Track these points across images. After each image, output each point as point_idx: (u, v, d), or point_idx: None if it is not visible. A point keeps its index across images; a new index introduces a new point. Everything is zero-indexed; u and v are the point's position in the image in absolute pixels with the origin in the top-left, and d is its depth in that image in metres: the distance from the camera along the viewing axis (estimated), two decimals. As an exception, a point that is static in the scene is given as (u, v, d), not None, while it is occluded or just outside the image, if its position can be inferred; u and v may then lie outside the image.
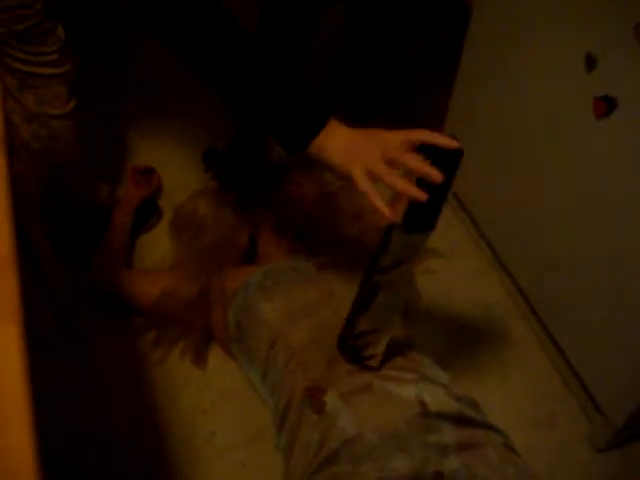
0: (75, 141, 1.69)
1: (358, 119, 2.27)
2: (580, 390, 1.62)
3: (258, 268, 1.57)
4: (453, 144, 1.05)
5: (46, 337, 1.57)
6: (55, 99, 1.58)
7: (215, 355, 1.68)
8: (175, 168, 2.13)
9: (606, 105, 1.26)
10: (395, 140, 1.07)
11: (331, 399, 1.28)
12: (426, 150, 1.04)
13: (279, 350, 1.41)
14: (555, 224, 1.56)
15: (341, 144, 1.11)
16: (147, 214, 1.95)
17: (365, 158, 1.07)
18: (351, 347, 1.30)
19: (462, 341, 1.76)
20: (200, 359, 1.66)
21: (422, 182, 1.03)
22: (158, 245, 1.92)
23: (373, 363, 1.31)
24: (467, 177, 1.85)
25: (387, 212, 1.05)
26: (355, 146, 1.10)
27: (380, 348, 1.30)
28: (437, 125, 2.05)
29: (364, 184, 1.06)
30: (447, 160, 1.04)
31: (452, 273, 1.90)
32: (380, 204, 1.05)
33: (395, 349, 1.39)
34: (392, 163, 1.06)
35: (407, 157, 1.05)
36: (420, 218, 1.10)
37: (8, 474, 0.62)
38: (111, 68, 2.44)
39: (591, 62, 1.27)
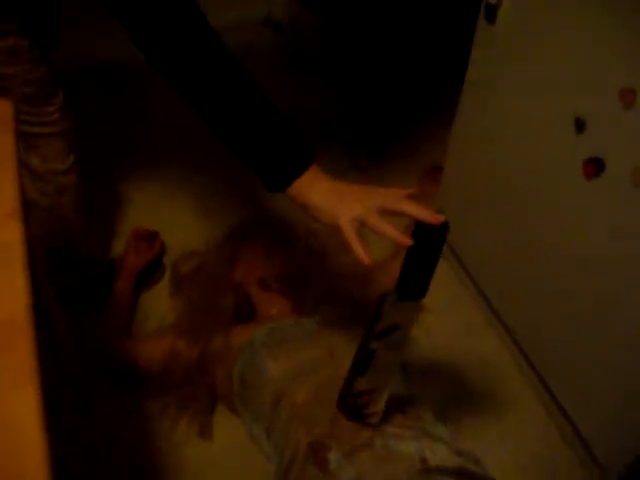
0: (79, 194, 1.73)
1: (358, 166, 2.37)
2: (578, 443, 1.63)
3: (261, 326, 1.59)
4: (436, 220, 1.05)
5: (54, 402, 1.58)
6: (57, 155, 1.63)
7: (219, 410, 1.69)
8: (176, 224, 2.15)
9: (595, 167, 1.30)
10: (377, 200, 1.09)
11: (334, 456, 1.30)
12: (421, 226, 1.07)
13: (283, 407, 1.43)
14: (550, 280, 1.59)
15: (325, 190, 1.13)
16: (151, 270, 1.97)
17: (351, 207, 1.09)
18: (351, 406, 1.32)
19: (460, 396, 1.77)
20: (206, 431, 1.66)
21: (412, 252, 1.06)
22: (161, 300, 1.93)
23: (374, 420, 1.33)
24: (464, 233, 1.91)
25: (367, 260, 1.07)
26: (340, 195, 1.11)
27: (380, 406, 1.32)
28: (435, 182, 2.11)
29: (350, 232, 1.09)
30: (434, 232, 1.07)
31: (449, 327, 1.92)
32: (361, 253, 1.07)
33: (395, 405, 1.41)
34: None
35: (383, 225, 1.07)
36: (412, 286, 1.13)
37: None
38: (112, 124, 2.50)
39: (580, 125, 1.32)
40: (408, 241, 1.06)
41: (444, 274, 2.04)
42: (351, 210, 1.09)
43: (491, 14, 1.51)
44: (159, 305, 1.91)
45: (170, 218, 2.18)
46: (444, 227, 1.06)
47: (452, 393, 1.77)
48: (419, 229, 1.06)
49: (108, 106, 2.61)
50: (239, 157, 1.19)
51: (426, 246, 1.06)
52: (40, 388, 0.74)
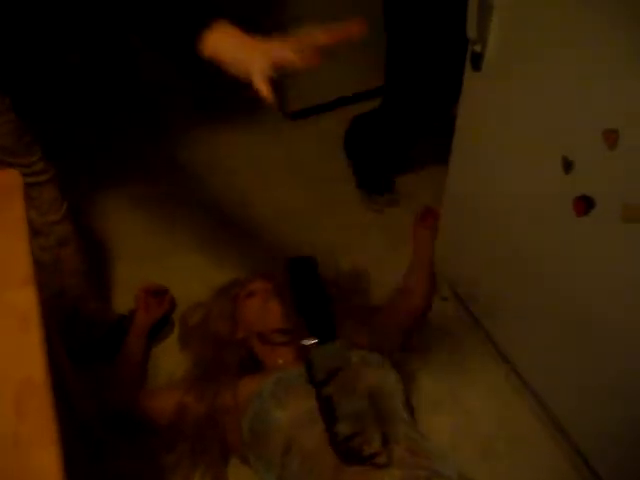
0: (80, 245, 1.77)
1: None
2: (585, 469, 1.66)
3: (268, 376, 1.62)
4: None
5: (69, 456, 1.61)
6: (52, 205, 1.67)
7: (232, 462, 1.71)
8: (182, 275, 2.19)
9: (585, 204, 1.34)
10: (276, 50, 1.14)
11: (347, 500, 1.32)
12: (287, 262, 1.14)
13: (294, 454, 1.46)
14: (549, 314, 1.61)
15: (235, 45, 1.17)
16: (160, 325, 1.99)
17: (259, 59, 1.14)
18: (347, 452, 1.35)
19: (470, 432, 1.80)
20: None
21: (294, 291, 1.10)
22: (171, 354, 1.96)
23: (380, 460, 1.35)
24: (463, 272, 1.95)
25: (270, 99, 1.14)
26: (248, 48, 1.16)
27: (376, 445, 1.35)
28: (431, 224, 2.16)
29: (260, 80, 1.14)
30: (305, 267, 1.13)
31: (454, 366, 1.95)
32: (268, 94, 1.14)
33: (404, 444, 1.43)
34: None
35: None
36: (320, 327, 1.21)
37: None
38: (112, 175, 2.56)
39: (568, 165, 1.36)
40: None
41: (447, 315, 2.09)
42: (258, 62, 1.14)
43: (476, 62, 1.56)
44: (169, 359, 1.94)
45: (176, 269, 2.22)
46: (311, 260, 1.13)
47: (459, 431, 1.80)
48: (291, 264, 1.14)
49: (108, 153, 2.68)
50: (155, 33, 1.25)
51: (302, 281, 1.13)
52: (61, 445, 0.78)
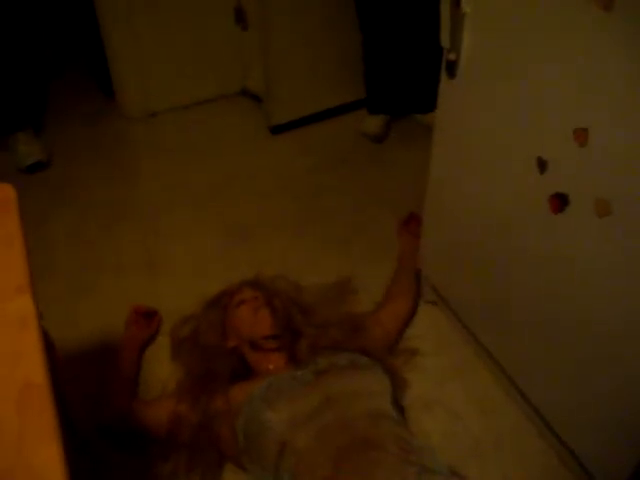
0: None
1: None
2: (575, 465, 1.68)
3: (259, 381, 1.65)
4: None
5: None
6: None
7: (227, 468, 1.73)
8: (171, 292, 2.23)
9: (560, 202, 1.39)
10: None
11: (340, 497, 1.36)
12: None
13: (287, 455, 1.49)
14: (533, 312, 1.65)
15: None
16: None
17: None
18: None
19: (459, 431, 1.83)
20: None
21: None
22: (163, 365, 1.98)
23: None
24: (448, 278, 1.99)
25: None
26: None
27: None
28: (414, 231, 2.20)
29: None
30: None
31: (442, 367, 1.98)
32: None
33: (397, 443, 1.47)
34: None
35: None
36: None
37: None
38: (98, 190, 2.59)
39: (542, 165, 1.41)
40: None
41: (433, 317, 2.12)
42: None
43: (451, 69, 1.61)
44: (162, 370, 1.96)
45: (165, 283, 2.27)
46: None
47: (448, 431, 1.83)
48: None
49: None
50: None
51: None
52: (62, 443, 0.81)
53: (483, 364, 1.97)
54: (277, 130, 2.90)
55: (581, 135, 1.28)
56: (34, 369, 0.89)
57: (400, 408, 1.73)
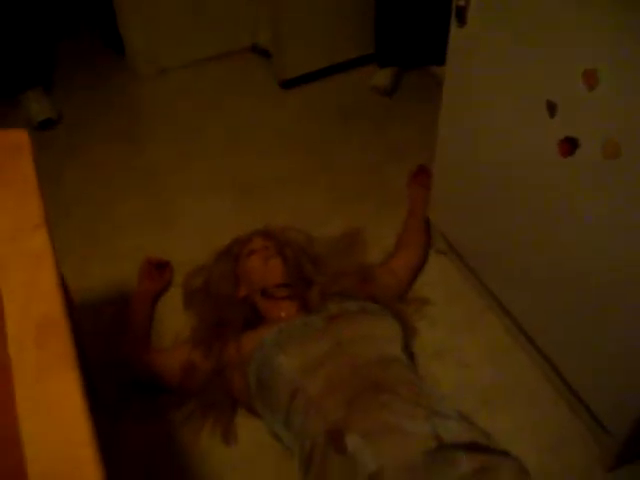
0: None
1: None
2: (585, 413, 1.70)
3: (271, 328, 1.68)
4: None
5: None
6: None
7: (240, 413, 1.76)
8: (184, 240, 2.26)
9: (569, 146, 1.39)
10: None
11: (351, 440, 1.38)
12: None
13: (299, 400, 1.51)
14: (545, 261, 1.66)
15: None
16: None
17: None
18: None
19: (469, 379, 1.85)
20: (229, 436, 1.72)
21: None
22: (175, 315, 2.01)
23: None
24: (459, 227, 2.00)
25: None
26: None
27: None
28: (425, 182, 2.20)
29: None
30: None
31: (452, 317, 2.00)
32: None
33: (407, 387, 1.49)
34: None
35: None
36: None
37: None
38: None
39: (552, 108, 1.41)
40: None
41: (444, 267, 2.14)
42: None
43: (461, 16, 1.60)
44: (175, 319, 1.99)
45: (177, 235, 2.29)
46: None
47: (459, 378, 1.85)
48: None
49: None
50: None
51: None
52: (79, 372, 0.83)
53: (493, 314, 1.99)
54: (287, 85, 2.89)
55: (590, 77, 1.28)
56: (51, 305, 0.91)
57: (410, 355, 1.75)
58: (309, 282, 1.84)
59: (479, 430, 1.45)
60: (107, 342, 1.89)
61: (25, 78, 2.74)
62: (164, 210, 2.40)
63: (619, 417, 1.56)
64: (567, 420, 1.76)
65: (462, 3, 1.57)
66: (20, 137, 1.16)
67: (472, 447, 1.37)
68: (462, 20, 1.61)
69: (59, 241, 1.99)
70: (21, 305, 0.91)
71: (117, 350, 1.86)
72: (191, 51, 3.05)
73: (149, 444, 1.73)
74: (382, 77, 2.83)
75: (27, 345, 0.87)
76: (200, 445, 1.71)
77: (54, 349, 0.86)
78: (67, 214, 2.35)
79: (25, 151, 1.14)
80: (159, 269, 2.11)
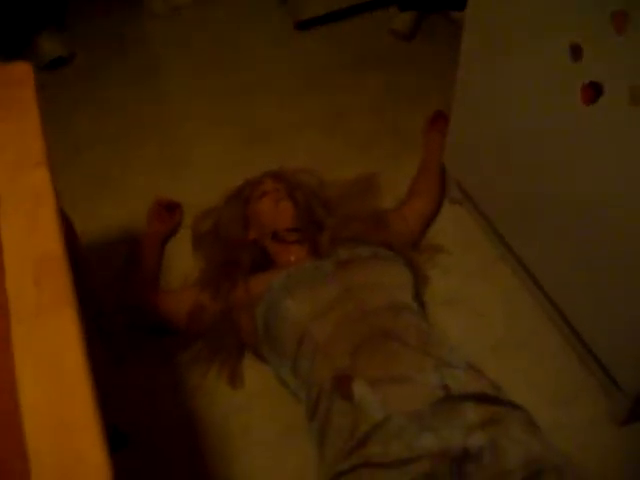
0: None
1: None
2: (597, 368, 1.68)
3: (281, 272, 1.66)
4: None
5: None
6: None
7: (247, 356, 1.76)
8: (193, 182, 2.23)
9: (593, 92, 1.34)
10: None
11: (358, 387, 1.37)
12: None
13: (306, 345, 1.50)
14: (560, 211, 1.62)
15: None
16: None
17: None
18: None
19: (480, 328, 1.83)
20: (235, 379, 1.72)
21: None
22: (184, 257, 2.00)
23: None
24: (475, 175, 1.95)
25: None
26: None
27: None
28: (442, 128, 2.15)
29: None
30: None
31: (465, 265, 1.98)
32: None
33: (418, 335, 1.47)
34: None
35: None
36: None
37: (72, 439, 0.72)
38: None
39: (576, 52, 1.35)
40: None
41: (458, 216, 2.10)
42: None
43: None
44: (183, 261, 1.98)
45: (187, 177, 2.26)
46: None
47: (470, 328, 1.83)
48: None
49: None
50: None
51: None
52: (78, 310, 0.81)
53: (507, 264, 1.96)
54: (302, 26, 2.81)
55: (620, 19, 1.22)
56: (51, 242, 0.89)
57: (421, 303, 1.73)
58: (320, 226, 1.82)
59: (488, 381, 1.43)
60: (116, 283, 1.89)
61: (38, 17, 2.68)
62: (177, 152, 2.37)
63: (632, 372, 1.54)
64: (579, 374, 1.74)
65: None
66: (23, 71, 1.12)
67: (481, 398, 1.36)
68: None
69: (69, 182, 2.02)
70: (20, 242, 0.90)
71: (126, 291, 1.85)
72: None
73: (155, 385, 1.73)
74: (401, 21, 2.75)
75: (25, 282, 0.85)
76: (206, 387, 1.71)
77: (52, 287, 0.84)
78: (78, 154, 2.32)
79: (28, 85, 1.11)
80: (169, 211, 2.08)
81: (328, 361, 1.45)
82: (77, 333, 0.79)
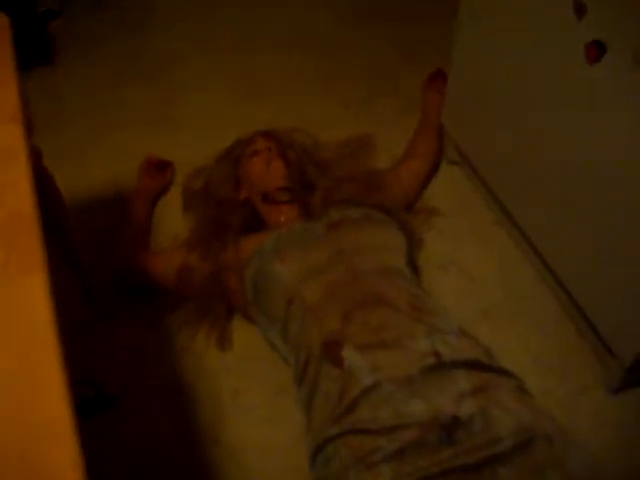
0: None
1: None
2: (592, 335, 1.65)
3: (271, 234, 1.62)
4: None
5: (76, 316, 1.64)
6: None
7: (236, 319, 1.73)
8: (184, 142, 2.18)
9: (597, 50, 1.29)
10: None
11: (348, 352, 1.34)
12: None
13: (296, 308, 1.47)
14: (559, 175, 1.59)
15: None
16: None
17: None
18: None
19: (474, 293, 1.81)
20: (224, 341, 1.70)
21: None
22: (174, 217, 1.97)
23: None
24: (473, 137, 1.91)
25: None
26: None
27: None
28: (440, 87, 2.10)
29: None
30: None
31: (461, 228, 1.95)
32: None
33: (409, 299, 1.44)
34: None
35: None
36: None
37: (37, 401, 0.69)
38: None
39: (580, 9, 1.31)
40: None
41: (455, 178, 2.07)
42: None
43: None
44: (173, 222, 1.94)
45: (179, 136, 2.22)
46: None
47: (465, 291, 1.81)
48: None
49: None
50: None
51: None
52: (47, 272, 0.78)
53: (504, 228, 1.93)
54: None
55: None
56: (21, 201, 0.85)
57: (415, 267, 1.70)
58: (312, 187, 1.78)
59: (481, 348, 1.41)
60: (105, 243, 1.85)
61: None
62: (169, 109, 2.32)
63: (626, 340, 1.52)
64: (573, 341, 1.71)
65: None
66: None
67: (472, 365, 1.34)
68: None
69: (57, 140, 1.98)
70: (-10, 202, 0.85)
71: (115, 250, 1.82)
72: None
73: (143, 347, 1.71)
74: None
75: (-5, 243, 0.81)
76: (195, 349, 1.69)
77: (22, 247, 0.80)
78: (66, 110, 2.28)
79: (4, 39, 1.06)
80: (160, 169, 2.04)
81: (318, 324, 1.43)
82: (45, 294, 0.75)
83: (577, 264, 1.64)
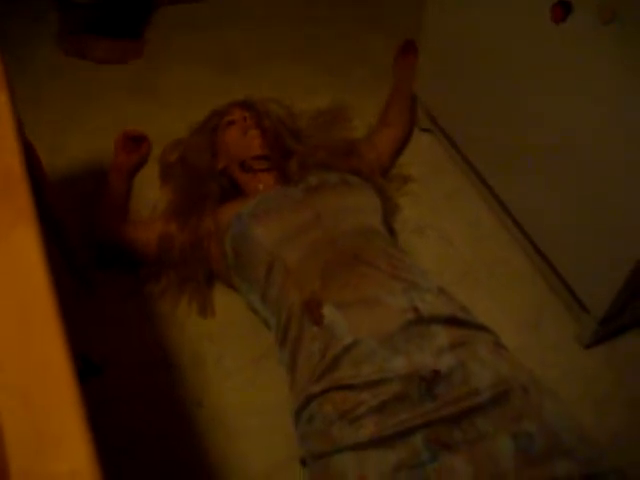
0: None
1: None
2: (564, 290, 1.70)
3: (249, 200, 1.64)
4: None
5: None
6: None
7: (217, 286, 1.75)
8: (160, 114, 2.20)
9: (563, 10, 1.32)
10: None
11: (328, 311, 1.37)
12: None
13: (276, 271, 1.50)
14: (532, 138, 1.62)
15: None
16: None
17: None
18: None
19: (450, 255, 1.85)
20: (205, 309, 1.72)
21: None
22: (152, 189, 1.97)
23: None
24: (445, 102, 1.94)
25: None
26: None
27: None
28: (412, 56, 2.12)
29: None
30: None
31: (435, 194, 1.98)
32: None
33: (386, 259, 1.47)
34: None
35: None
36: None
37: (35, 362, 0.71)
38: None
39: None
40: None
41: (427, 145, 2.10)
42: None
43: None
44: (152, 195, 1.94)
45: (156, 110, 2.22)
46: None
47: (440, 255, 1.84)
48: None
49: None
50: None
51: None
52: (38, 228, 0.79)
53: (477, 192, 1.97)
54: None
55: None
56: (9, 158, 0.87)
57: (391, 230, 1.73)
58: (289, 154, 1.79)
59: (458, 304, 1.44)
60: (86, 216, 1.86)
61: None
62: (145, 84, 2.33)
63: (598, 295, 1.56)
64: (546, 298, 1.76)
65: None
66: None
67: (450, 321, 1.37)
68: None
69: (35, 115, 1.97)
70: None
71: (94, 222, 1.83)
72: None
73: (126, 316, 1.72)
74: None
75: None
76: (177, 317, 1.71)
77: (13, 203, 0.82)
78: (38, 88, 2.27)
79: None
80: (136, 143, 2.05)
81: (298, 285, 1.45)
82: (38, 252, 0.77)
83: (547, 222, 1.68)
